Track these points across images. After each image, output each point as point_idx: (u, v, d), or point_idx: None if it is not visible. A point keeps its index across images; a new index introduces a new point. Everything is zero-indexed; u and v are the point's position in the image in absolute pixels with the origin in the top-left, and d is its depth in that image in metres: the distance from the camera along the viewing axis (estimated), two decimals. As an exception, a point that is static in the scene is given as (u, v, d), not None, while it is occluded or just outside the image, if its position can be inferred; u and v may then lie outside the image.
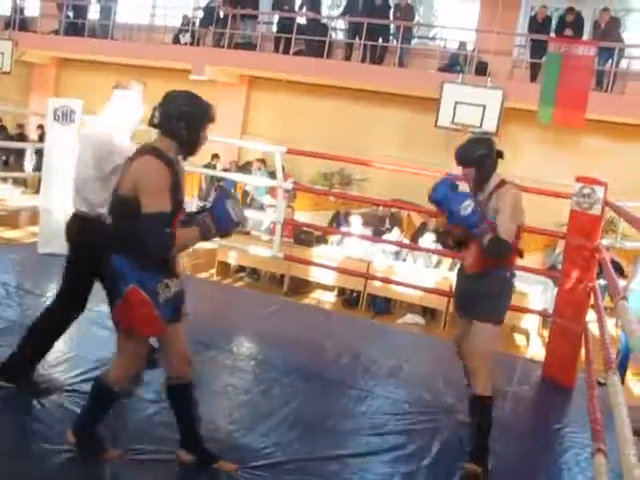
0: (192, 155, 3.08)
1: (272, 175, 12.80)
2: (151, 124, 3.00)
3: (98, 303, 3.97)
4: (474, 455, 3.65)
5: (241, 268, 10.86)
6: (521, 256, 3.89)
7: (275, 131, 14.36)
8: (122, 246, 2.93)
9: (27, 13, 18.17)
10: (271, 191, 12.07)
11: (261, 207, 12.55)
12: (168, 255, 2.94)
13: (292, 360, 4.98)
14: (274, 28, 14.99)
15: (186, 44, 14.98)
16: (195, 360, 4.49)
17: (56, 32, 16.83)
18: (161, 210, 2.82)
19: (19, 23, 17.24)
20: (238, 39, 14.64)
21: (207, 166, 13.58)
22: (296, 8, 14.24)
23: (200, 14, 15.44)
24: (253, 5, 14.55)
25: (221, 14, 14.87)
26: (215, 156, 13.92)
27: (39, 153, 9.70)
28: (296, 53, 13.70)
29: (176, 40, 15.39)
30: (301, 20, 13.92)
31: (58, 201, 6.90)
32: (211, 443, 3.40)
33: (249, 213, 11.92)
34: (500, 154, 3.82)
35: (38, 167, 8.95)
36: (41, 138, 14.46)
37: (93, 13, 16.93)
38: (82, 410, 3.27)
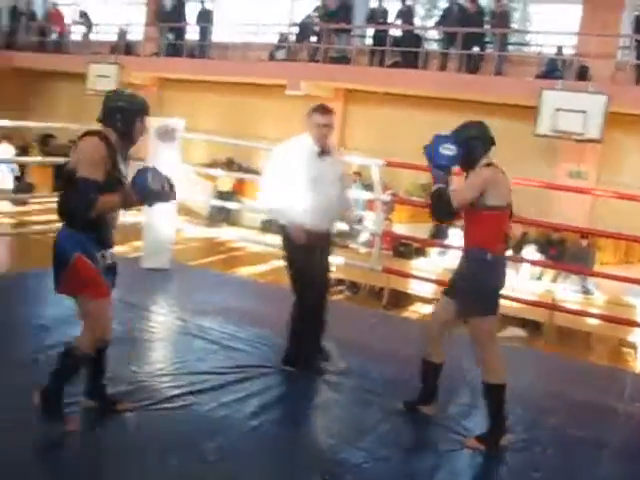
0: (132, 143, 3.55)
1: (368, 187, 12.84)
2: (98, 120, 3.52)
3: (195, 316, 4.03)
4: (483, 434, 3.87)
5: (340, 281, 10.86)
6: (506, 242, 3.91)
7: (372, 144, 14.33)
8: (67, 220, 3.40)
9: (131, 37, 18.88)
10: (368, 204, 12.03)
11: (358, 220, 12.52)
12: (88, 217, 3.29)
13: (392, 374, 4.92)
14: (368, 41, 15.01)
15: (282, 60, 15.19)
16: (295, 374, 4.51)
17: (157, 54, 17.42)
18: (91, 177, 3.25)
19: (124, 47, 17.96)
20: (333, 53, 14.73)
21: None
22: (390, 20, 14.22)
23: (295, 30, 15.63)
24: (347, 19, 14.62)
25: (316, 29, 15.02)
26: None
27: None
28: (391, 65, 13.66)
29: (272, 57, 15.63)
30: (395, 32, 13.89)
31: (161, 217, 7.09)
32: (310, 456, 3.39)
33: (343, 226, 11.96)
34: (492, 140, 3.88)
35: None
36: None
37: (192, 34, 17.43)
38: (50, 376, 3.43)
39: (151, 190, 3.35)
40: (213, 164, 15.70)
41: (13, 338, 4.74)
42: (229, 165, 15.44)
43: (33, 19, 20.46)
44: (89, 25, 19.52)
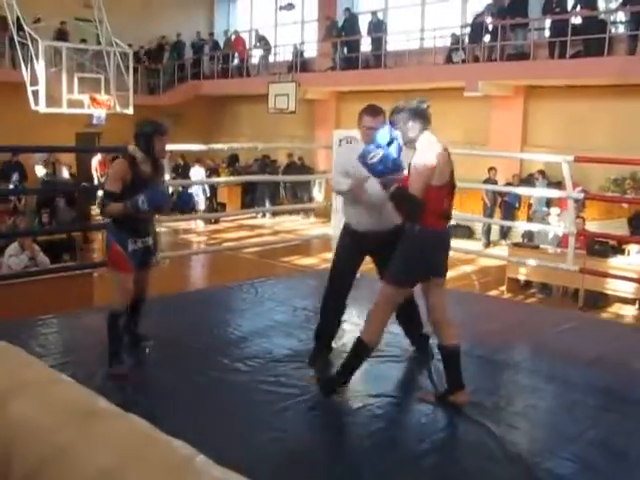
0: (154, 157, 4.54)
1: (553, 185, 12.35)
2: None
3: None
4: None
5: (528, 283, 10.50)
6: (448, 218, 3.98)
7: (558, 140, 13.78)
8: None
9: (306, 55, 19.42)
10: (557, 202, 11.56)
11: (543, 219, 12.08)
12: (104, 216, 4.76)
13: (595, 380, 4.66)
14: (547, 33, 14.44)
15: (458, 62, 14.99)
16: (492, 379, 4.39)
17: (332, 68, 17.78)
18: (109, 189, 4.47)
19: (300, 65, 18.50)
20: (510, 50, 14.34)
21: (486, 181, 13.43)
22: (569, 8, 13.62)
23: (469, 30, 15.39)
24: (522, 13, 14.17)
25: (490, 27, 14.70)
26: (491, 169, 13.69)
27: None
28: (573, 56, 13.06)
29: (448, 59, 15.47)
30: (576, 20, 13.27)
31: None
32: (512, 465, 3.28)
33: (532, 226, 11.63)
34: (427, 117, 3.92)
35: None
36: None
37: (365, 46, 17.62)
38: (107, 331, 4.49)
39: (141, 208, 4.32)
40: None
41: (214, 348, 4.97)
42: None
43: (216, 48, 21.57)
44: (267, 48, 20.29)
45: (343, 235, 4.79)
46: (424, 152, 3.82)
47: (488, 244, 14.08)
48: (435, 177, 3.79)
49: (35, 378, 0.66)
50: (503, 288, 10.21)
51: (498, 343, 5.36)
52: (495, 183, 13.42)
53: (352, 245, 4.66)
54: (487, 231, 14.18)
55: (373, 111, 4.46)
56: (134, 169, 4.47)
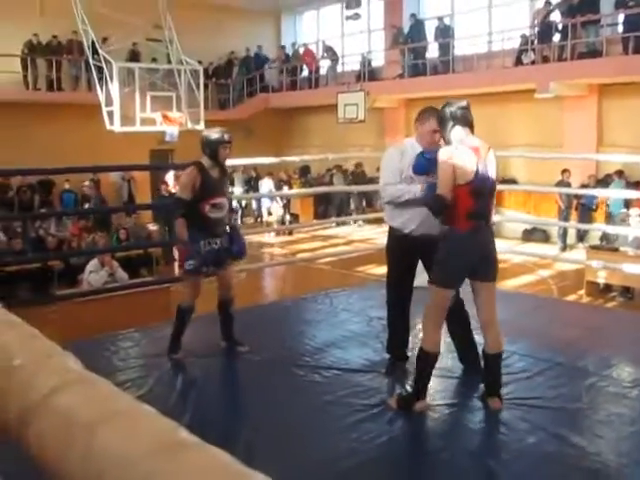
0: (218, 163, 5.00)
1: (632, 185, 12.02)
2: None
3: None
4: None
5: (608, 287, 10.21)
6: (480, 218, 3.92)
7: (636, 139, 13.37)
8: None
9: (374, 64, 19.43)
10: (637, 203, 11.23)
11: (623, 221, 11.75)
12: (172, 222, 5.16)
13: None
14: (620, 29, 14.07)
15: (528, 64, 14.75)
16: (573, 387, 4.30)
17: (401, 76, 17.73)
18: (180, 196, 4.98)
19: (368, 74, 18.53)
20: (582, 48, 14.03)
21: (559, 183, 13.16)
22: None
23: (537, 31, 15.13)
24: (593, 9, 13.85)
25: (560, 26, 14.42)
26: (565, 171, 13.40)
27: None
28: (648, 50, 12.69)
29: (518, 61, 15.24)
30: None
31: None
32: (594, 477, 3.20)
33: (609, 228, 11.33)
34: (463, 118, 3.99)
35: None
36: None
37: (433, 51, 17.53)
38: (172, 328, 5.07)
39: (189, 267, 4.90)
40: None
41: (290, 360, 5.00)
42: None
43: (287, 61, 21.80)
44: (335, 58, 20.38)
45: (392, 242, 4.83)
46: (444, 149, 3.96)
47: (565, 248, 13.78)
48: (458, 176, 3.83)
49: (122, 409, 0.68)
50: (582, 292, 9.96)
51: (578, 349, 5.24)
52: (568, 185, 13.13)
53: (404, 250, 4.68)
54: (563, 234, 13.88)
55: (437, 114, 4.35)
56: (203, 174, 4.89)
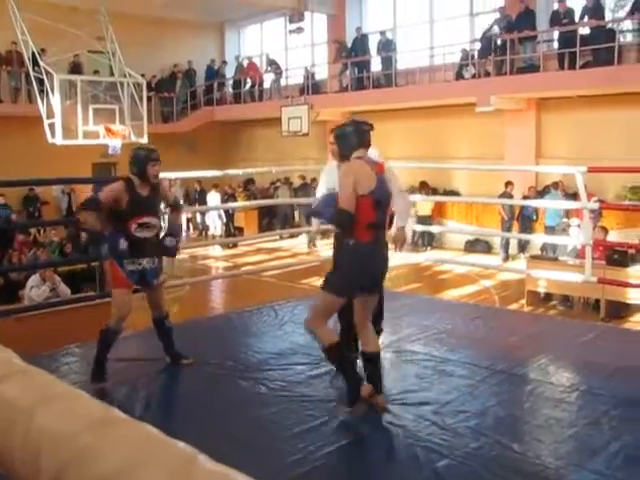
0: (148, 180, 4.79)
1: (570, 196, 12.33)
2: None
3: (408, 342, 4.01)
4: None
5: (548, 296, 10.44)
6: (373, 230, 4.05)
7: (572, 150, 13.76)
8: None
9: (317, 77, 19.56)
10: (575, 213, 11.53)
11: (564, 231, 12.04)
12: (86, 210, 4.70)
13: (619, 390, 4.63)
14: (555, 45, 14.45)
15: (469, 78, 15.04)
16: (514, 393, 4.39)
17: (344, 89, 17.89)
18: (96, 195, 4.79)
19: (312, 87, 18.64)
20: (520, 63, 14.38)
21: (503, 194, 13.43)
22: (577, 19, 13.63)
23: (478, 46, 15.45)
24: (530, 26, 14.21)
25: (498, 41, 14.75)
26: (508, 183, 13.69)
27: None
28: (583, 66, 13.06)
29: (459, 76, 15.52)
30: (584, 30, 13.29)
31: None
32: (537, 478, 3.27)
33: (549, 238, 11.62)
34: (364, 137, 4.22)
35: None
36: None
37: (376, 65, 17.73)
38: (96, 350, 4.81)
39: (120, 248, 4.71)
40: (411, 189, 15.79)
41: (236, 372, 4.99)
42: (423, 189, 15.46)
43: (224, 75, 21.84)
44: (278, 71, 20.45)
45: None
46: (346, 164, 4.17)
47: (507, 258, 14.04)
48: (358, 188, 3.99)
49: (58, 393, 0.71)
50: (523, 302, 10.16)
51: (519, 356, 5.36)
52: (511, 197, 13.41)
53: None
54: (505, 245, 14.15)
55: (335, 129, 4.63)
56: (131, 192, 4.75)
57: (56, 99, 13.81)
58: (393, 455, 3.73)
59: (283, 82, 20.42)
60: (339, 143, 4.28)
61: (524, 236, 13.40)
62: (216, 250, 16.81)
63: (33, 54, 14.28)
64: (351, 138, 4.21)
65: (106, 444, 0.58)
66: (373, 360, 4.31)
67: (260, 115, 19.63)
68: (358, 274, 4.08)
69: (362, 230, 4.02)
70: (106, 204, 4.69)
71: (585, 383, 4.82)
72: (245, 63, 21.75)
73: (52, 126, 13.98)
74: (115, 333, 4.82)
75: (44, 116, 14.09)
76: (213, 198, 18.40)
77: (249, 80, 21.08)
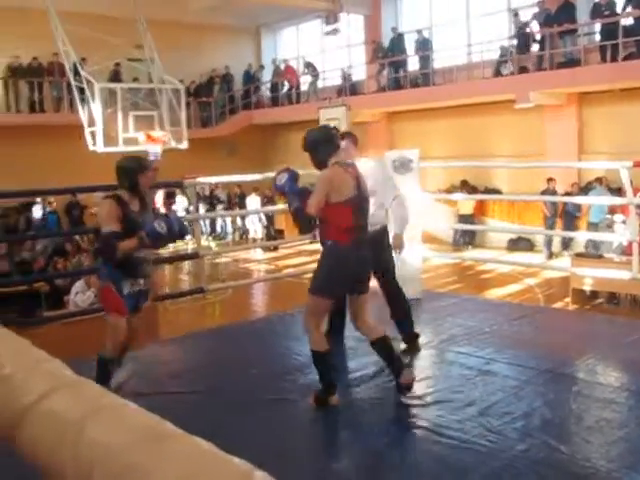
0: (139, 194, 4.44)
1: (614, 192, 12.11)
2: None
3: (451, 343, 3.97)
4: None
5: (594, 294, 10.27)
6: (351, 233, 4.18)
7: (616, 145, 13.49)
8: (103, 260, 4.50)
9: (355, 78, 19.54)
10: (620, 209, 11.31)
11: (609, 227, 11.82)
12: (111, 259, 4.28)
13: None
14: (597, 37, 14.22)
15: (508, 75, 14.88)
16: (561, 393, 4.31)
17: (382, 89, 17.85)
18: (111, 229, 4.23)
19: (349, 88, 18.63)
20: (560, 58, 14.18)
21: (545, 191, 13.25)
22: (618, 10, 13.40)
23: (516, 41, 15.28)
24: (570, 19, 14.01)
25: (538, 36, 14.57)
26: (550, 180, 13.50)
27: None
28: (625, 58, 12.83)
29: (497, 72, 15.37)
30: (626, 21, 13.04)
31: (408, 248, 7.14)
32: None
33: (593, 235, 11.38)
34: (335, 143, 4.34)
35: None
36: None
37: (413, 64, 17.65)
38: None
39: (160, 235, 4.24)
40: (451, 188, 15.68)
41: (277, 376, 5.01)
42: (464, 187, 15.33)
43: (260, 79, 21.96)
44: (315, 74, 20.48)
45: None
46: (325, 171, 4.27)
47: (550, 256, 13.86)
48: (338, 193, 4.14)
49: (107, 405, 0.71)
50: (568, 300, 10.01)
51: (565, 356, 5.27)
52: (554, 193, 13.21)
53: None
54: (548, 242, 13.96)
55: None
56: (123, 208, 4.34)
57: (97, 107, 14.00)
58: (439, 457, 3.69)
59: (320, 84, 20.47)
60: (312, 153, 4.36)
61: (568, 233, 13.20)
62: (257, 253, 16.87)
63: (74, 64, 14.48)
64: (323, 145, 4.31)
65: (159, 459, 0.57)
66: (382, 345, 4.43)
67: (298, 118, 19.66)
68: (338, 275, 4.22)
69: (341, 233, 4.18)
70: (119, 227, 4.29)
71: (635, 383, 4.72)
72: (282, 66, 21.84)
73: (93, 134, 14.17)
74: (111, 362, 4.43)
75: (85, 124, 14.29)
76: (253, 201, 18.48)
77: (286, 83, 21.18)
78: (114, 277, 4.34)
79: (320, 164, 4.33)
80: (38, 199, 17.25)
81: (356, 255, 4.23)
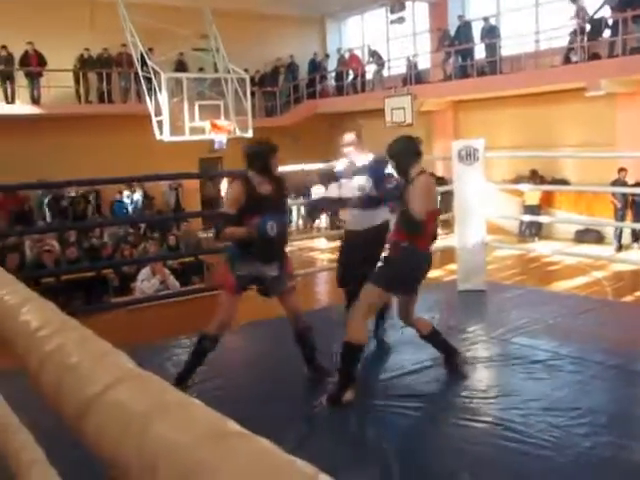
0: (271, 175, 4.50)
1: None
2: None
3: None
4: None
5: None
6: (430, 241, 4.43)
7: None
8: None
9: (420, 67, 19.37)
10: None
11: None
12: (219, 240, 4.85)
13: None
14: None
15: (578, 62, 14.53)
16: (629, 390, 4.21)
17: (448, 78, 17.65)
18: (224, 210, 4.53)
19: (414, 77, 18.48)
20: (634, 44, 13.77)
21: (616, 182, 12.93)
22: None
23: (587, 27, 14.90)
24: (644, 3, 13.59)
25: (610, 22, 14.19)
26: (621, 170, 13.16)
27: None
28: None
29: (567, 60, 15.02)
30: None
31: (473, 238, 7.08)
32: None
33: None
34: (419, 152, 4.45)
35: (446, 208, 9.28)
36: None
37: (479, 52, 17.40)
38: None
39: (267, 235, 4.26)
40: (517, 178, 15.42)
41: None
42: (533, 177, 15.07)
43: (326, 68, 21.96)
44: (381, 62, 20.37)
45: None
46: (419, 178, 4.41)
47: (620, 248, 13.52)
48: (432, 202, 4.45)
49: (174, 401, 0.72)
50: (638, 294, 9.76)
51: (634, 351, 5.13)
52: (625, 184, 12.88)
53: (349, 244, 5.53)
54: (618, 234, 13.63)
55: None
56: (249, 191, 4.39)
57: (163, 97, 14.23)
58: (501, 452, 3.64)
59: (385, 73, 20.35)
60: (397, 161, 4.49)
61: (638, 225, 12.87)
62: (321, 242, 16.91)
63: (141, 55, 14.74)
64: (409, 156, 4.46)
65: (225, 457, 0.57)
66: (433, 337, 4.65)
67: (363, 107, 19.59)
68: (409, 277, 4.39)
69: (421, 239, 4.32)
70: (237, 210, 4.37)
71: None
72: (347, 55, 21.79)
73: (160, 123, 14.42)
74: (213, 341, 4.52)
75: (152, 114, 14.55)
76: (318, 190, 18.51)
77: (351, 72, 21.12)
78: (232, 256, 4.53)
79: (405, 173, 4.41)
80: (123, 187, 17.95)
81: (429, 263, 4.46)
